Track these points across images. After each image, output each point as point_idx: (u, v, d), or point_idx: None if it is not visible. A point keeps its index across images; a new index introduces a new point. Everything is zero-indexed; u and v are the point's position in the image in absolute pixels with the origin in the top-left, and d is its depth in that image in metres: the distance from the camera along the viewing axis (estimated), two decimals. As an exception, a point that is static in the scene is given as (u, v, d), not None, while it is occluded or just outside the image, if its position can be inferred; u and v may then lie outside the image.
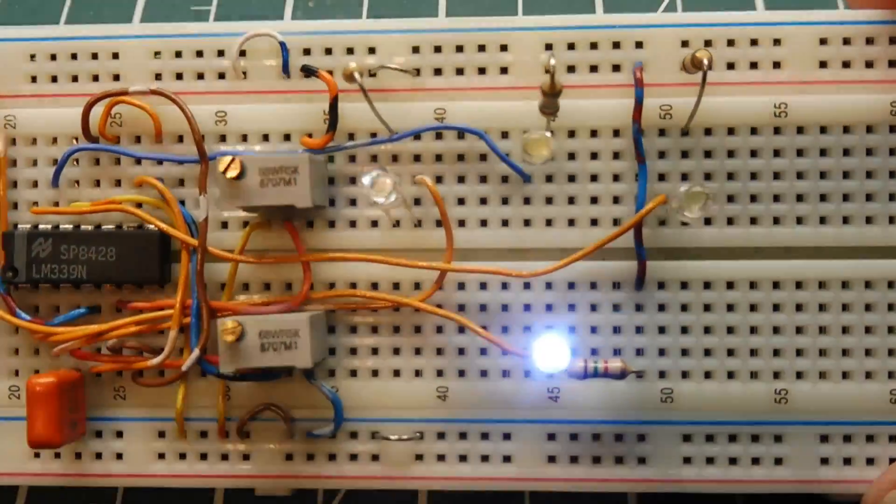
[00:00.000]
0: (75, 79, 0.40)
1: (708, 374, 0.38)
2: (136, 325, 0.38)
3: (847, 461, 0.38)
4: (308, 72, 0.38)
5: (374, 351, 0.39)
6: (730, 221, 0.38)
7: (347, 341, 0.39)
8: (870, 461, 0.38)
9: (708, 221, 0.38)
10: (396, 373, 0.39)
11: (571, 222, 0.38)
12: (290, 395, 0.39)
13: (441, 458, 0.39)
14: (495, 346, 0.38)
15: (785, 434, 0.38)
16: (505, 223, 0.39)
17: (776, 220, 0.38)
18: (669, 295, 0.38)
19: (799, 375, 0.38)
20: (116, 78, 0.40)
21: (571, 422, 0.38)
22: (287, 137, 0.39)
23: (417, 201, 0.39)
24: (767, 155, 0.38)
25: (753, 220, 0.38)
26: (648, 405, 0.38)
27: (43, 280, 0.38)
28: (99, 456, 0.40)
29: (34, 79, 0.40)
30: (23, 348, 0.40)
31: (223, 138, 0.39)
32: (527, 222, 0.39)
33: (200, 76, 0.39)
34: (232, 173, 0.35)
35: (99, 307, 0.39)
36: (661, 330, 0.38)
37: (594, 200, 0.38)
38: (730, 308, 0.38)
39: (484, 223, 0.39)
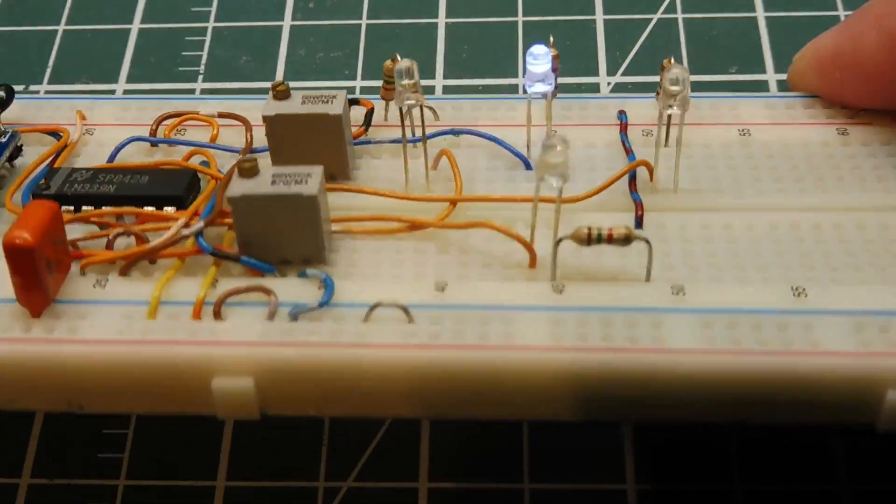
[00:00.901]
0: (155, 123, 0.48)
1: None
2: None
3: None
4: (352, 103, 0.46)
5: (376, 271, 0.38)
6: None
7: (349, 258, 0.39)
8: None
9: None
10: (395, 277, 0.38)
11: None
12: (279, 289, 0.37)
13: (435, 336, 0.35)
14: (498, 252, 0.38)
15: (811, 323, 0.34)
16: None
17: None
18: (669, 233, 0.39)
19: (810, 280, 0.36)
20: (186, 127, 0.48)
21: (577, 309, 0.35)
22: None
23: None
24: (740, 159, 0.43)
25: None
26: (661, 301, 0.36)
27: (71, 195, 0.40)
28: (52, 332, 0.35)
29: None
30: (17, 260, 0.39)
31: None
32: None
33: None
34: (281, 87, 0.41)
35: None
36: (665, 256, 0.38)
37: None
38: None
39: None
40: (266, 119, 0.41)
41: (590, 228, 0.36)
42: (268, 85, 0.53)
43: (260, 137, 0.44)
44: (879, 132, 0.44)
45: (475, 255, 0.38)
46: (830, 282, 0.37)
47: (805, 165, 0.42)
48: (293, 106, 0.41)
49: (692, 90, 0.47)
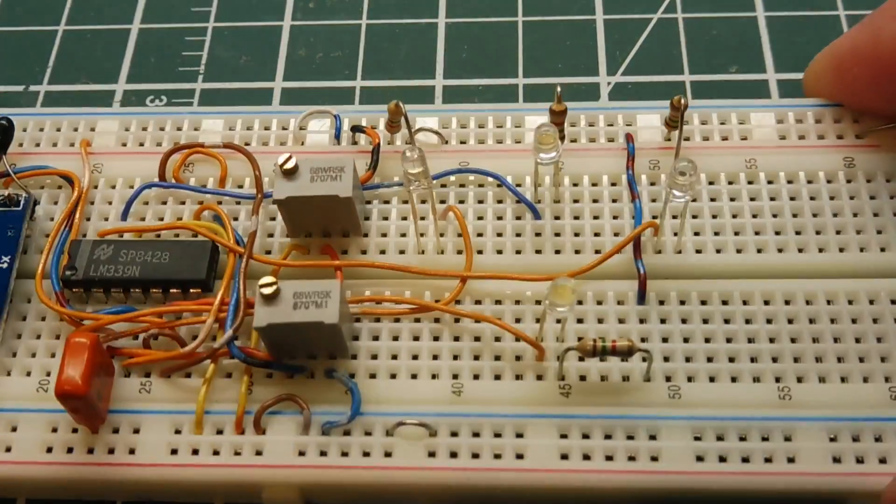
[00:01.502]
0: (160, 144, 0.47)
1: (713, 378, 0.40)
2: (169, 316, 0.42)
3: (859, 460, 0.38)
4: (357, 130, 0.46)
5: (394, 357, 0.41)
6: (718, 251, 0.43)
7: (369, 346, 0.41)
8: (883, 460, 0.38)
9: (699, 251, 0.43)
10: (414, 375, 0.41)
11: (577, 251, 0.43)
12: (309, 393, 0.40)
13: (454, 454, 0.39)
14: (509, 351, 0.41)
15: (794, 431, 0.38)
16: (518, 252, 0.43)
17: (759, 250, 0.43)
18: (670, 309, 0.41)
19: (800, 379, 0.40)
20: (194, 145, 0.48)
21: (581, 417, 0.39)
22: (331, 184, 0.46)
23: (442, 235, 0.44)
24: (744, 199, 0.44)
25: (739, 250, 0.43)
26: (657, 401, 0.39)
27: (98, 278, 0.42)
28: (112, 451, 0.40)
29: (124, 144, 0.48)
30: (60, 351, 0.42)
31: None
32: (538, 251, 0.43)
33: (265, 143, 0.47)
34: (288, 165, 0.41)
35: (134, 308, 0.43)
36: (664, 339, 0.41)
37: (597, 234, 0.44)
38: (727, 321, 0.41)
39: (500, 252, 0.43)
40: (278, 202, 0.42)
41: (595, 341, 0.38)
42: (269, 85, 0.52)
43: (266, 167, 0.44)
44: (884, 161, 0.44)
45: (486, 344, 0.41)
46: (815, 376, 0.40)
47: (807, 208, 0.43)
48: (303, 186, 0.42)
49: (693, 94, 0.47)
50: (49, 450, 0.40)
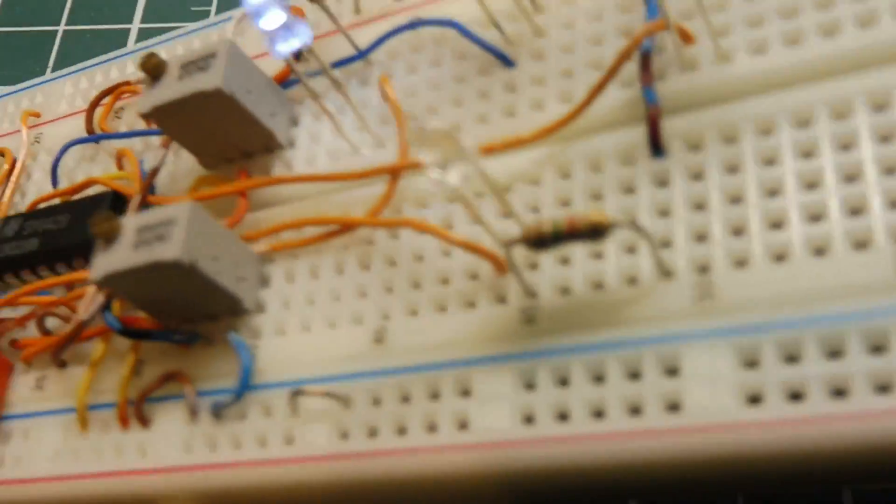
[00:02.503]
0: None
1: (777, 256, 0.22)
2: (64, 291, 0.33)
3: None
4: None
5: (312, 303, 0.29)
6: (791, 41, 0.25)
7: (283, 293, 0.29)
8: None
9: (761, 51, 0.25)
10: (333, 326, 0.28)
11: (566, 99, 0.28)
12: (208, 365, 0.29)
13: (373, 432, 0.25)
14: (458, 270, 0.26)
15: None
16: (483, 120, 0.29)
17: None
18: (701, 157, 0.24)
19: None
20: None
21: (553, 353, 0.24)
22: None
23: (385, 121, 0.31)
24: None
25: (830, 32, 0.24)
26: (683, 306, 0.23)
27: (4, 259, 0.35)
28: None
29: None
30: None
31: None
32: (510, 113, 0.28)
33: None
34: (150, 64, 0.31)
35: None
36: (697, 206, 0.24)
37: (598, 67, 0.28)
38: (805, 154, 0.23)
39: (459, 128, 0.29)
40: (144, 116, 0.31)
41: (540, 224, 0.23)
42: None
43: None
44: None
45: (429, 263, 0.27)
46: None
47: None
48: (169, 88, 0.31)
49: None
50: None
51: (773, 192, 0.23)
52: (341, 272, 0.29)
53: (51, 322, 0.33)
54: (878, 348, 0.21)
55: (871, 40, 0.24)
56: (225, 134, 0.32)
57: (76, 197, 0.36)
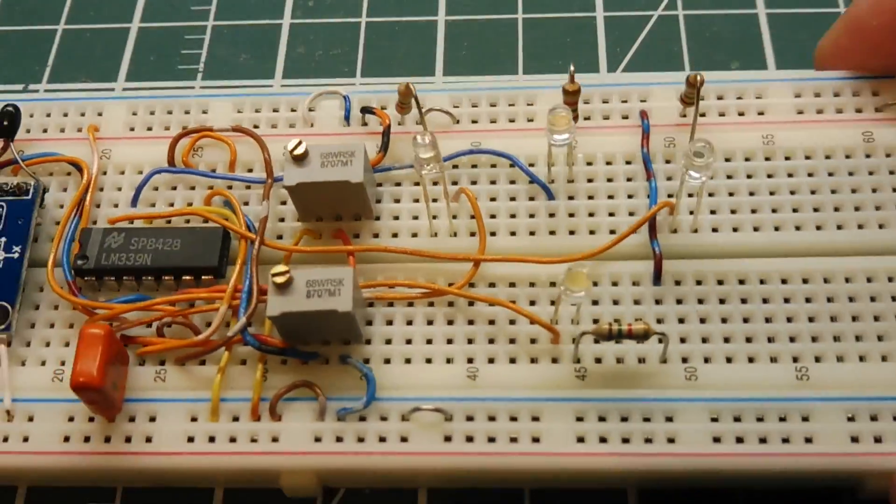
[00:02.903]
0: (168, 128, 0.47)
1: (730, 359, 0.40)
2: (185, 305, 0.41)
3: (877, 439, 0.38)
4: (366, 111, 0.45)
5: (409, 341, 0.41)
6: (734, 230, 0.42)
7: (383, 331, 0.41)
8: (901, 439, 0.38)
9: (715, 230, 0.42)
10: (429, 360, 0.41)
11: (592, 232, 0.43)
12: (323, 379, 0.40)
13: (470, 438, 0.39)
14: (524, 335, 0.40)
15: (811, 412, 0.38)
16: (532, 233, 0.43)
17: (776, 228, 0.42)
18: (685, 289, 0.41)
19: (818, 359, 0.39)
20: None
21: (598, 400, 0.39)
22: (342, 167, 0.45)
23: (455, 217, 0.43)
24: (762, 176, 0.43)
25: (756, 228, 0.42)
26: (674, 383, 0.39)
27: (110, 267, 0.42)
28: (129, 440, 0.40)
29: (132, 128, 0.47)
30: (74, 340, 0.42)
31: (287, 168, 0.45)
32: (552, 232, 0.43)
33: (274, 126, 0.47)
34: (298, 151, 0.41)
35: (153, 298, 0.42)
36: (681, 321, 0.41)
37: (611, 214, 0.43)
38: (743, 301, 0.41)
39: (513, 233, 0.43)
40: (288, 189, 0.41)
41: (610, 325, 0.38)
42: (268, 83, 0.51)
43: (276, 151, 0.44)
44: (905, 133, 0.43)
45: (501, 327, 0.41)
46: (833, 355, 0.39)
47: (826, 185, 0.43)
48: (313, 171, 0.41)
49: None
50: (66, 439, 0.40)
51: (726, 318, 0.40)
52: (431, 322, 0.41)
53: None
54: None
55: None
56: (338, 206, 0.43)
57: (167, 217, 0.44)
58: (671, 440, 0.38)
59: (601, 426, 0.39)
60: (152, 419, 0.40)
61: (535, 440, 0.39)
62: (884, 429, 0.38)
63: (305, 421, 0.40)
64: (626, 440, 0.38)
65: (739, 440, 0.38)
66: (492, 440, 0.39)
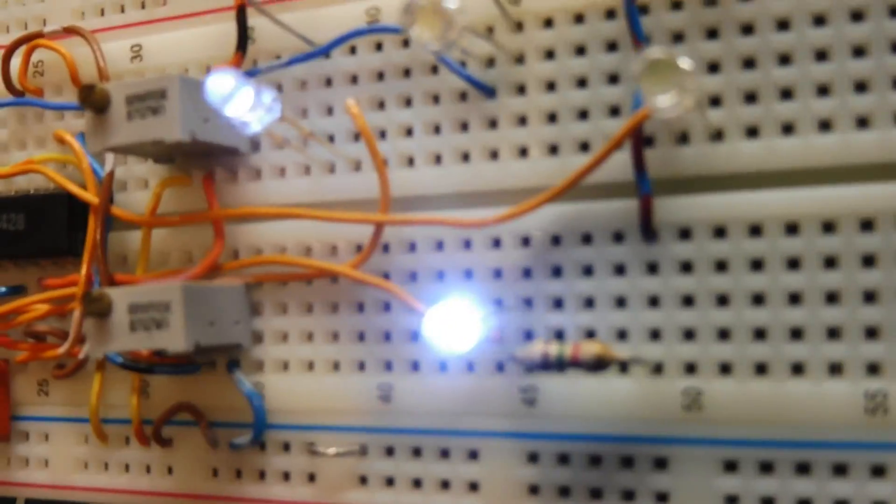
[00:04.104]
0: (7, 29, 0.35)
1: (760, 368, 0.25)
2: (48, 304, 0.33)
3: None
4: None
5: (310, 336, 0.30)
6: (786, 129, 0.25)
7: (277, 324, 0.30)
8: None
9: (752, 132, 0.25)
10: (336, 365, 0.29)
11: (553, 150, 0.27)
12: (212, 394, 0.31)
13: (390, 481, 0.29)
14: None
15: (889, 463, 0.23)
16: (465, 158, 0.28)
17: (862, 122, 0.24)
18: (694, 247, 0.25)
19: (909, 369, 0.23)
20: (44, 24, 0.34)
21: (558, 437, 0.26)
22: (209, 69, 0.31)
23: (357, 138, 0.29)
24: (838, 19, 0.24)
25: (825, 125, 0.24)
26: (666, 414, 0.25)
27: (-46, 256, 0.34)
28: (27, 462, 0.34)
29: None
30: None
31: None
32: (493, 154, 0.28)
33: (122, 9, 0.33)
34: (94, 103, 0.28)
35: (24, 287, 0.34)
36: (686, 301, 0.25)
37: (583, 116, 0.27)
38: (791, 265, 0.24)
39: (438, 160, 0.28)
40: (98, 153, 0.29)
41: (546, 347, 0.24)
42: None
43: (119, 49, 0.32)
44: None
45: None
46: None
47: None
48: (119, 128, 0.28)
49: None
50: (-41, 462, 0.35)
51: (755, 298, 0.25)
52: (332, 311, 0.29)
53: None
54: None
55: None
56: (184, 150, 0.30)
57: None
58: (661, 497, 0.25)
59: (560, 475, 0.26)
60: (46, 441, 0.34)
61: (473, 487, 0.28)
62: None
63: (198, 449, 0.31)
64: (595, 493, 0.26)
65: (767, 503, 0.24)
66: (417, 483, 0.28)
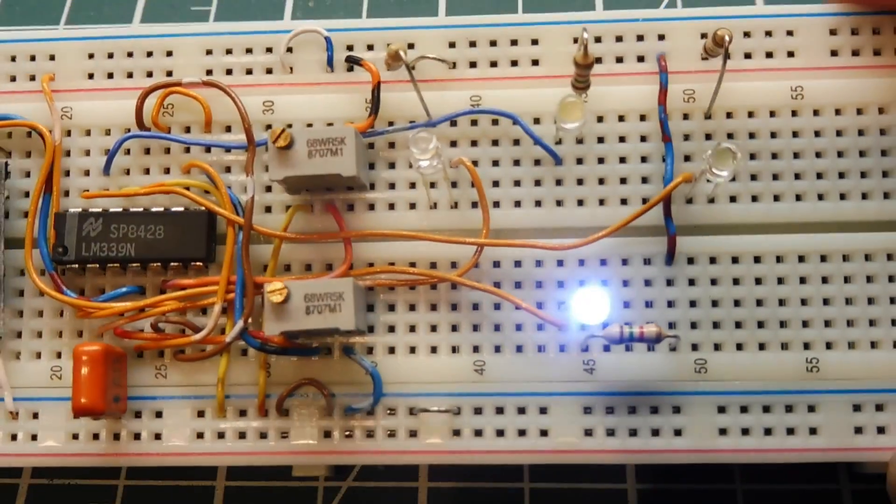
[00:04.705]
0: (130, 75, 0.42)
1: (740, 346, 0.39)
2: (179, 301, 0.40)
3: (881, 430, 0.38)
4: (352, 62, 0.41)
5: (412, 328, 0.40)
6: (754, 199, 0.40)
7: (385, 319, 0.40)
8: (903, 430, 0.38)
9: (733, 199, 0.40)
10: (434, 349, 0.40)
11: (602, 202, 0.40)
12: (329, 372, 0.40)
13: (478, 432, 0.39)
14: (530, 321, 0.39)
15: (818, 404, 0.38)
16: (538, 203, 0.40)
17: (798, 197, 0.40)
18: (699, 269, 0.39)
19: (828, 346, 0.39)
20: (169, 74, 0.42)
21: (606, 394, 0.39)
22: (330, 124, 0.41)
23: (454, 184, 0.40)
24: (787, 135, 0.40)
25: (776, 198, 0.40)
26: (682, 376, 0.39)
27: (92, 258, 0.40)
28: (137, 436, 0.40)
29: (91, 76, 0.42)
30: (66, 330, 0.41)
31: (269, 127, 0.41)
32: (559, 202, 0.40)
33: (249, 71, 0.42)
34: (282, 143, 0.37)
35: (143, 288, 0.41)
36: (693, 304, 0.39)
37: (623, 181, 0.40)
38: (758, 281, 0.39)
39: (518, 204, 0.40)
40: (275, 180, 0.38)
41: (622, 328, 0.37)
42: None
43: (252, 105, 0.41)
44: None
45: (507, 313, 0.40)
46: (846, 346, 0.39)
47: (853, 147, 0.39)
48: (300, 162, 0.38)
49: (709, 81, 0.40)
50: (75, 436, 0.40)
51: (736, 302, 0.39)
52: (435, 309, 0.40)
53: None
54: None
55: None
56: (328, 183, 0.39)
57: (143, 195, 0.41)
58: (678, 432, 0.39)
59: (609, 421, 0.39)
60: (158, 415, 0.40)
61: (544, 433, 0.39)
62: (887, 420, 0.38)
63: (313, 417, 0.40)
64: (633, 432, 0.39)
65: (745, 431, 0.38)
66: (500, 434, 0.39)
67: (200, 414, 0.40)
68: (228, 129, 0.41)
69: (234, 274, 0.39)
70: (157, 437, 0.40)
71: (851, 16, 0.40)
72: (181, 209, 0.40)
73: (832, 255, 0.39)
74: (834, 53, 0.40)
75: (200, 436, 0.40)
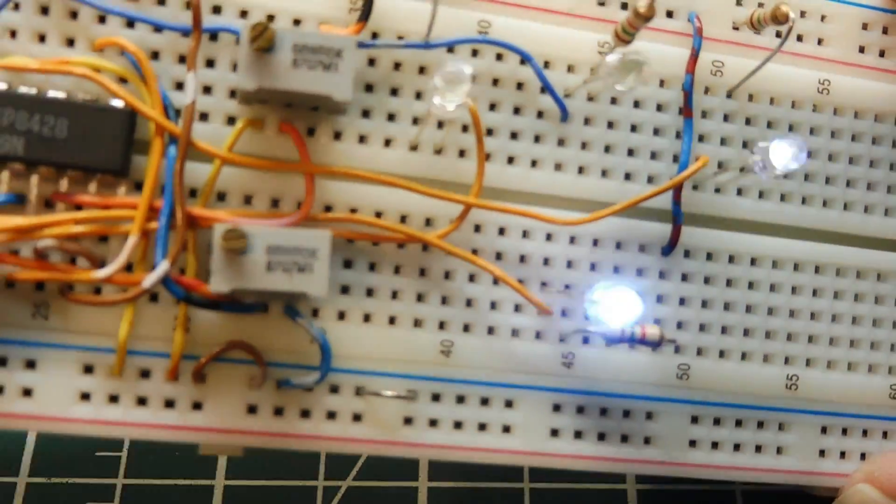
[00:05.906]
0: None
1: (723, 354, 0.36)
2: (75, 223, 0.30)
3: (842, 455, 0.37)
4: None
5: (370, 292, 0.33)
6: (760, 195, 0.36)
7: (339, 276, 0.33)
8: (863, 456, 0.37)
9: (739, 192, 0.36)
10: (392, 320, 0.33)
11: (604, 173, 0.35)
12: (264, 336, 0.32)
13: (434, 423, 0.33)
14: (508, 300, 0.34)
15: (790, 423, 0.36)
16: (534, 164, 0.34)
17: (804, 200, 0.36)
18: (695, 264, 0.35)
19: (808, 363, 0.36)
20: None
21: (580, 392, 0.34)
22: (297, 22, 0.32)
23: (441, 125, 0.33)
24: (804, 131, 0.36)
25: (783, 197, 0.36)
26: (664, 381, 0.35)
27: (-38, 150, 0.29)
28: (0, 390, 0.30)
29: None
30: None
31: (217, 10, 0.32)
32: (558, 166, 0.35)
33: (197, -70, 0.32)
34: (263, 43, 0.28)
35: (24, 197, 0.30)
36: (682, 301, 0.35)
37: (631, 153, 0.35)
38: (750, 286, 0.36)
39: (511, 160, 0.34)
40: (245, 92, 0.29)
41: (623, 327, 0.33)
42: None
43: None
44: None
45: (483, 287, 0.34)
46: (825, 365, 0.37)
47: (866, 155, 0.37)
48: (283, 73, 0.29)
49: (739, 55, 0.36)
50: None
51: (726, 305, 0.36)
52: (401, 273, 0.33)
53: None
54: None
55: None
56: (298, 101, 0.31)
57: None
58: (647, 440, 0.35)
59: (578, 422, 0.34)
60: (30, 365, 0.31)
61: (506, 430, 0.34)
62: (850, 446, 0.37)
63: (236, 387, 0.32)
64: (601, 437, 0.35)
65: (715, 445, 0.36)
66: (458, 426, 0.34)
67: (88, 370, 0.31)
68: (162, 1, 0.32)
69: (158, 198, 0.30)
70: (27, 393, 0.31)
71: (886, 13, 0.37)
72: (90, 99, 0.30)
73: (825, 267, 0.36)
74: (861, 50, 0.37)
75: (86, 397, 0.31)
